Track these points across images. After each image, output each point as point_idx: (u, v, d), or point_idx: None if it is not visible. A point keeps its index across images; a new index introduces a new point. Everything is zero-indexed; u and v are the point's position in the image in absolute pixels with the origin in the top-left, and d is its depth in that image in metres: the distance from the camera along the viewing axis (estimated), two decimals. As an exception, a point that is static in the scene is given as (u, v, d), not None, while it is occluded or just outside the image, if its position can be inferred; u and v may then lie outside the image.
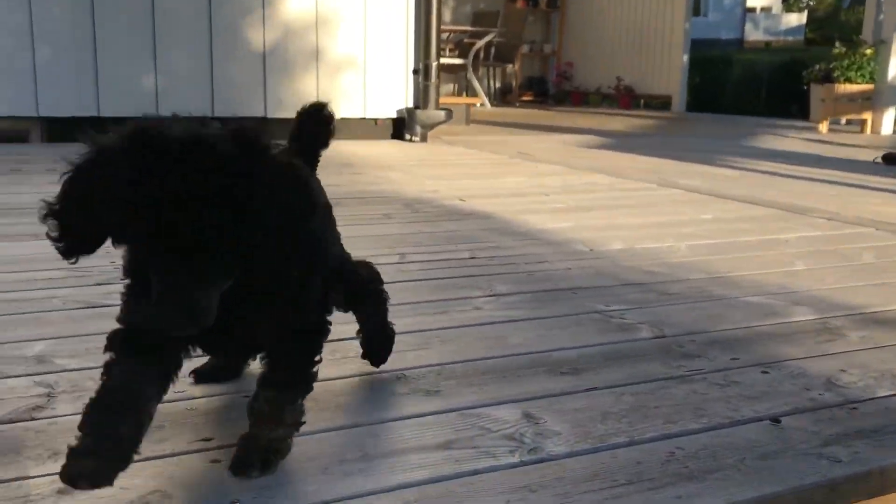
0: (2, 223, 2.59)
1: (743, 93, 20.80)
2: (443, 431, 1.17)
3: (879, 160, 5.00)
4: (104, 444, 0.87)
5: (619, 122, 8.32)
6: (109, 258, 1.03)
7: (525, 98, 11.76)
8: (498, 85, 11.67)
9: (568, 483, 1.03)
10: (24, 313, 1.66)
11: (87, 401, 0.91)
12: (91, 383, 1.08)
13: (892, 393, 1.36)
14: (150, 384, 0.94)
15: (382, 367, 1.39)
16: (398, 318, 1.46)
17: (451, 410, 1.24)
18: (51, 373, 1.34)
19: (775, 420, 1.24)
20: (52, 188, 0.88)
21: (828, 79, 7.40)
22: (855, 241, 2.63)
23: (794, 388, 1.37)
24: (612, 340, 1.59)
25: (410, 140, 5.36)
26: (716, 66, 20.93)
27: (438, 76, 5.35)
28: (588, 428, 1.19)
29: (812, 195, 3.59)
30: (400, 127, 5.49)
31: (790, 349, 1.57)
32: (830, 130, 7.40)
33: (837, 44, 7.53)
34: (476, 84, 9.84)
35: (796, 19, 36.58)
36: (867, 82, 7.25)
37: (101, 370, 0.93)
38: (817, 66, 8.08)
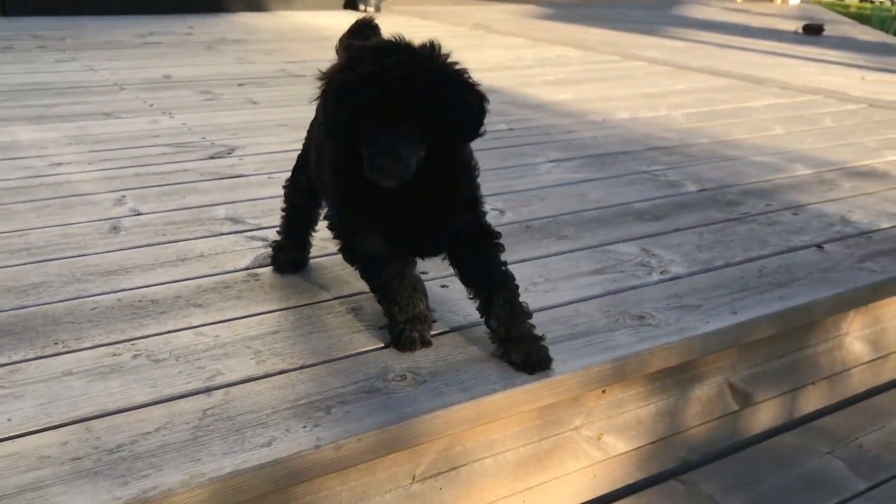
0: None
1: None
2: (589, 263, 1.55)
3: (800, 31, 5.51)
4: (418, 316, 1.21)
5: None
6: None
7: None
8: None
9: (701, 292, 1.44)
10: (174, 183, 1.92)
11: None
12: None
13: (892, 225, 1.83)
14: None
15: (511, 216, 1.75)
16: (492, 183, 1.82)
17: (585, 248, 1.62)
18: (250, 230, 1.64)
19: (819, 246, 1.69)
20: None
21: (744, -52, 7.80)
22: (812, 107, 3.10)
23: (821, 225, 1.82)
24: (669, 194, 1.99)
25: (364, 10, 5.49)
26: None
27: (391, -54, 5.44)
28: (693, 256, 1.60)
29: (758, 65, 4.05)
30: (352, -3, 5.60)
31: (805, 196, 2.01)
32: (746, 0, 7.89)
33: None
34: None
35: None
36: (781, -48, 7.70)
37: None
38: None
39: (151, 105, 2.67)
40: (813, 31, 5.47)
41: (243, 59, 3.61)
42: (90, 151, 2.13)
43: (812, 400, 1.57)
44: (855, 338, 1.62)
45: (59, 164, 2.02)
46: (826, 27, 5.63)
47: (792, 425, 1.53)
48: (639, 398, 1.33)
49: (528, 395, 1.15)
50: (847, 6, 15.21)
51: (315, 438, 0.98)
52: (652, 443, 1.37)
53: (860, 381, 1.65)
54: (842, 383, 1.62)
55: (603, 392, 1.28)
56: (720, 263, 1.57)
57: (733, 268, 1.56)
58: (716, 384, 1.42)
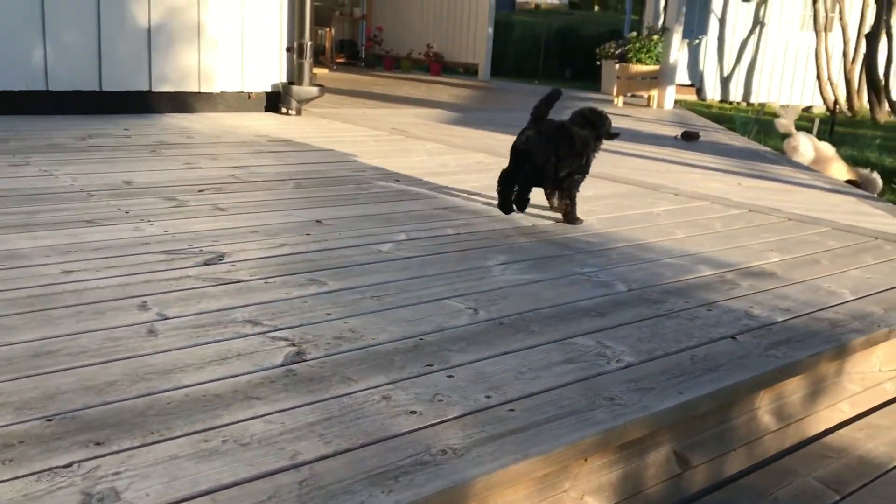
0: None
1: (523, 56, 22.49)
2: (560, 354, 1.90)
3: (679, 137, 6.21)
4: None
5: (444, 91, 9.14)
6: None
7: (339, 60, 12.25)
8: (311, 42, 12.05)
9: (652, 377, 1.81)
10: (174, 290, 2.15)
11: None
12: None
13: (785, 318, 2.27)
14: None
15: (484, 314, 2.09)
16: (457, 284, 2.16)
17: (553, 341, 1.97)
18: (270, 331, 1.90)
19: (733, 337, 2.10)
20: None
21: (623, 59, 8.66)
22: (702, 212, 3.62)
23: (731, 319, 2.24)
24: (605, 293, 2.38)
25: (287, 113, 5.83)
26: (499, 29, 22.41)
27: (312, 55, 5.84)
28: (638, 347, 1.98)
29: (651, 172, 4.61)
30: (272, 101, 5.93)
31: (714, 295, 2.45)
32: (625, 104, 8.70)
33: (633, 33, 8.80)
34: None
35: (561, -17, 39.30)
36: (654, 64, 8.59)
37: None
38: (608, 45, 9.36)
39: (127, 212, 2.89)
40: (690, 138, 6.18)
41: (191, 164, 3.85)
42: (94, 259, 2.34)
43: (735, 462, 1.95)
44: (764, 411, 2.02)
45: (70, 271, 2.22)
46: (701, 133, 6.37)
47: (721, 484, 1.90)
48: (611, 464, 1.67)
49: (538, 464, 1.47)
50: (710, 106, 16.71)
51: (394, 501, 1.27)
52: (619, 501, 1.70)
53: (770, 445, 2.05)
54: (757, 448, 2.01)
55: (585, 460, 1.61)
56: (660, 353, 1.95)
57: (671, 356, 1.94)
58: (665, 451, 1.78)
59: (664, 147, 5.70)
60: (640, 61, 8.57)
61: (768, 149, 6.36)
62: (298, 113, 5.86)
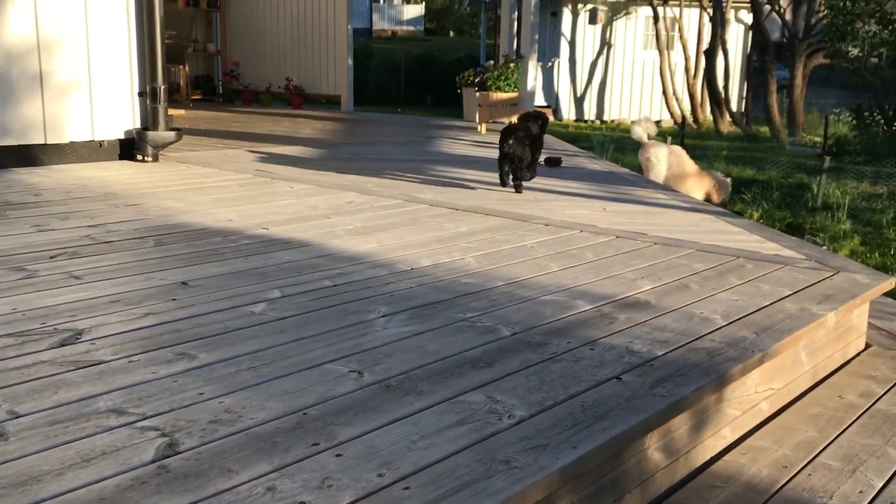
0: None
1: (384, 84, 22.59)
2: (451, 415, 1.84)
3: (542, 164, 6.31)
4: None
5: (307, 125, 9.00)
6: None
7: (194, 97, 11.88)
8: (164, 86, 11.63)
9: (545, 431, 1.77)
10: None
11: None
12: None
13: (664, 352, 2.29)
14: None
15: (369, 377, 2.00)
16: (339, 344, 2.08)
17: (443, 401, 1.90)
18: (137, 420, 1.74)
19: (618, 378, 2.10)
20: None
21: (483, 87, 8.79)
22: (573, 242, 3.67)
23: (614, 357, 2.24)
24: (490, 340, 2.34)
25: (143, 161, 5.55)
26: (357, 58, 22.41)
27: (167, 99, 5.59)
28: (528, 398, 1.94)
29: (519, 202, 4.65)
30: (127, 148, 5.64)
31: (594, 331, 2.45)
32: (488, 131, 8.82)
33: (490, 62, 8.95)
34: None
35: (416, 10, 39.91)
36: (512, 91, 8.76)
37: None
38: (467, 73, 9.49)
39: (-33, 288, 2.63)
40: (553, 163, 6.30)
41: (41, 225, 3.58)
42: (-71, 350, 2.09)
43: (632, 505, 1.94)
44: (654, 449, 2.02)
45: None
46: (562, 158, 6.51)
47: (620, 529, 1.89)
48: (512, 529, 1.61)
49: (439, 544, 1.39)
50: (566, 126, 17.26)
51: None
52: (523, 564, 1.64)
53: (662, 482, 2.05)
54: (650, 487, 2.01)
55: (487, 529, 1.55)
56: (550, 402, 1.92)
57: (561, 405, 1.91)
58: (564, 505, 1.74)
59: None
60: (499, 89, 8.72)
61: (626, 170, 6.58)
62: (155, 159, 5.59)
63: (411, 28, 38.13)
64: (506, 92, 8.72)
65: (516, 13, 9.36)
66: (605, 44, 18.71)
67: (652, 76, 18.36)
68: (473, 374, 2.08)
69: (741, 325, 2.57)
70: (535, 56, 8.98)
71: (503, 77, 8.70)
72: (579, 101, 18.84)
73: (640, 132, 6.99)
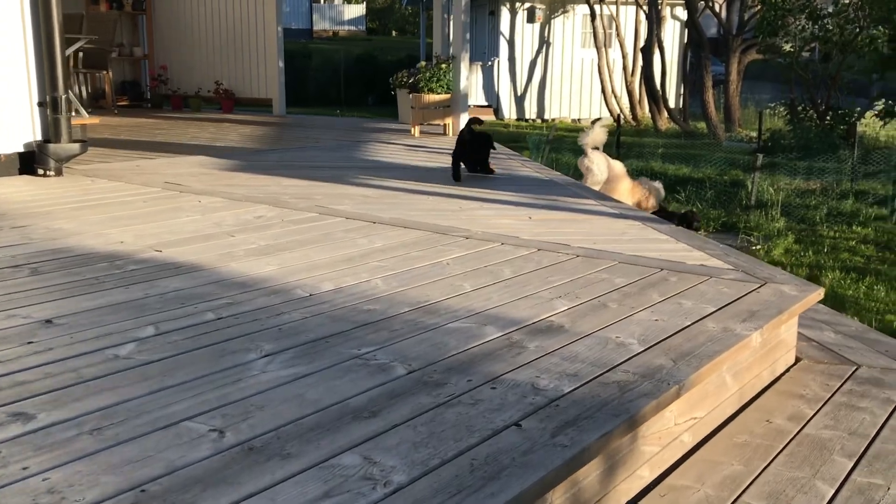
0: None
1: (324, 85, 22.21)
2: (316, 485, 1.57)
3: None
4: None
5: (234, 131, 8.64)
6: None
7: (121, 103, 11.40)
8: (89, 91, 11.14)
9: (423, 503, 1.52)
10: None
11: None
12: None
13: (573, 388, 2.07)
14: None
15: (231, 437, 1.73)
16: (206, 394, 1.80)
17: (311, 467, 1.64)
18: None
19: (517, 424, 1.86)
20: None
21: (415, 89, 8.53)
22: (492, 257, 3.44)
23: (516, 397, 2.00)
24: (381, 381, 2.08)
25: (45, 175, 5.18)
26: (297, 59, 21.99)
27: (70, 109, 5.22)
28: (411, 457, 1.69)
29: (444, 212, 4.40)
30: (28, 162, 5.25)
31: (499, 365, 2.21)
32: (422, 133, 8.57)
33: (422, 62, 8.69)
34: (72, 96, 9.34)
35: (357, 10, 39.51)
36: (445, 92, 8.52)
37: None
38: (401, 74, 9.23)
39: None
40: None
41: None
42: None
43: (532, 572, 1.70)
44: (558, 503, 1.79)
45: None
46: (494, 161, 6.28)
47: None
48: None
49: None
50: (507, 125, 17.10)
51: None
52: None
53: (568, 540, 1.82)
54: (554, 549, 1.77)
55: None
56: (436, 462, 1.67)
57: (448, 465, 1.66)
58: (448, 586, 1.49)
59: (450, 184, 5.55)
60: (431, 90, 8.46)
61: (557, 174, 6.38)
62: (59, 173, 5.22)
63: (353, 28, 37.71)
64: (438, 94, 8.47)
65: (446, 13, 9.12)
66: (544, 42, 18.61)
67: (591, 74, 18.30)
68: (354, 427, 1.82)
69: (659, 350, 2.36)
70: (467, 56, 8.74)
71: (435, 78, 8.45)
72: (520, 101, 18.70)
73: (586, 140, 6.80)
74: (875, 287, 5.69)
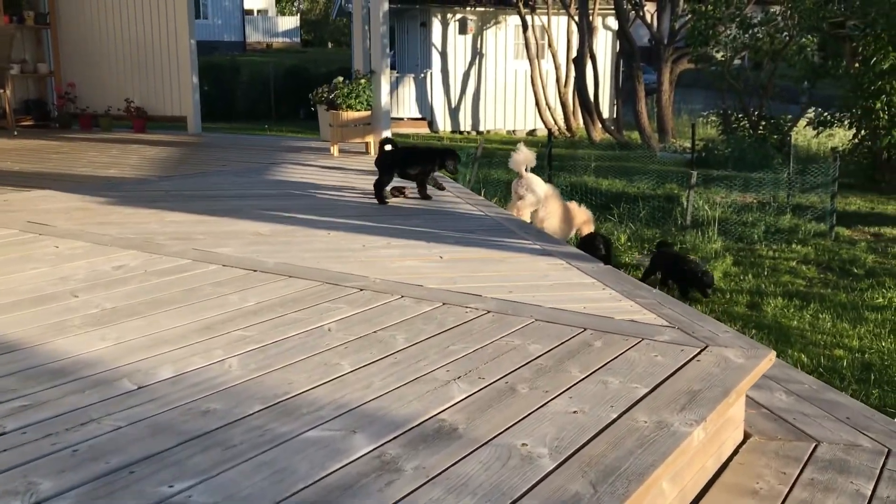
0: None
1: (255, 99, 21.38)
2: None
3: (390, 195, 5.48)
4: None
5: (138, 154, 7.89)
6: None
7: (25, 123, 10.50)
8: (-16, 111, 10.25)
9: None
10: None
11: None
12: None
13: (454, 547, 1.48)
14: None
15: None
16: None
17: None
18: None
19: None
20: None
21: (333, 105, 7.89)
22: (387, 317, 2.83)
23: (373, 568, 1.41)
24: (186, 547, 1.46)
25: None
26: (224, 73, 21.12)
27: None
28: None
29: (341, 253, 3.78)
30: None
31: (360, 502, 1.61)
32: (341, 153, 7.94)
33: (339, 78, 8.05)
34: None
35: (292, 22, 38.65)
36: (365, 109, 7.90)
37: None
38: (321, 90, 8.59)
39: None
40: (399, 194, 5.48)
41: None
42: None
43: None
44: None
45: None
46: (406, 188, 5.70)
47: None
48: None
49: None
50: (441, 138, 16.56)
51: None
52: None
53: None
54: None
55: None
56: None
57: None
58: None
59: (367, 210, 4.95)
60: (350, 107, 7.82)
61: (481, 198, 5.82)
62: None
63: (287, 40, 36.84)
64: (357, 110, 7.84)
65: (368, 25, 8.51)
66: (477, 53, 18.14)
67: (525, 85, 17.88)
68: None
69: (576, 466, 1.79)
70: (388, 70, 8.14)
71: (354, 94, 7.82)
72: (454, 113, 18.19)
73: (518, 160, 6.26)
74: (820, 315, 5.25)
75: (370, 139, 8.04)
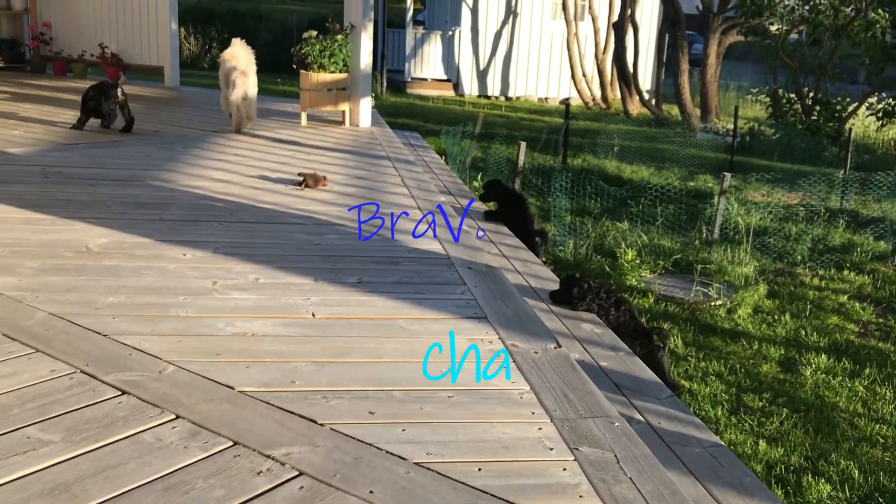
0: None
1: (277, 49, 19.96)
2: None
3: (302, 186, 4.11)
4: None
5: (77, 109, 6.61)
6: None
7: (-4, 65, 9.32)
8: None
9: None
10: None
11: None
12: None
13: None
14: None
15: None
16: None
17: None
18: None
19: None
20: None
21: (303, 65, 6.51)
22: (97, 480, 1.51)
23: None
24: None
25: None
26: (246, 21, 19.76)
27: None
28: None
29: (163, 303, 2.46)
30: None
31: None
32: (310, 122, 6.58)
33: (312, 31, 6.65)
34: None
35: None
36: (341, 71, 6.50)
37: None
38: (299, 47, 7.17)
39: None
40: (317, 183, 4.13)
41: None
42: None
43: None
44: None
45: None
46: (326, 176, 4.33)
47: None
48: None
49: None
50: (464, 103, 15.02)
51: None
52: None
53: None
54: None
55: None
56: None
57: None
58: None
59: (272, 215, 3.61)
60: (322, 68, 6.42)
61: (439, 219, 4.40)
62: None
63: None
64: (332, 72, 6.45)
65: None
66: (511, 12, 16.45)
67: (560, 50, 16.18)
68: None
69: None
70: (370, 26, 6.71)
71: (328, 53, 6.42)
72: (482, 75, 16.60)
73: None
74: (878, 389, 3.81)
75: (345, 107, 6.64)
